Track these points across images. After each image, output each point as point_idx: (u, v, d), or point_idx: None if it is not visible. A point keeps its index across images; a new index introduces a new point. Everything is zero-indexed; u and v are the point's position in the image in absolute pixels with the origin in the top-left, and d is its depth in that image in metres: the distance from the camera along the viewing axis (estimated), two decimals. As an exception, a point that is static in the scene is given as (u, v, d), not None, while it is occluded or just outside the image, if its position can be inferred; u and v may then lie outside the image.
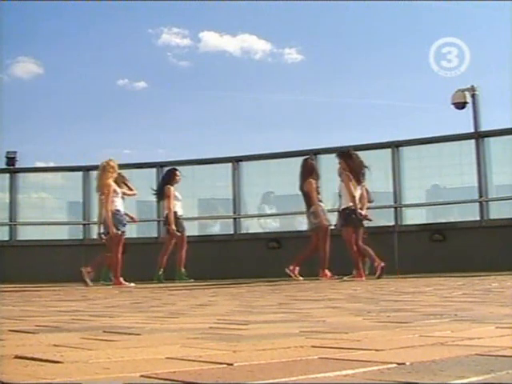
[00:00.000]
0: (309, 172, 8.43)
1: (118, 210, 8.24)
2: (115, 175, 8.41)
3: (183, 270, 9.00)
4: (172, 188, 9.00)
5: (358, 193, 7.89)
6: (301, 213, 9.28)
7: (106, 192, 8.19)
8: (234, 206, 10.78)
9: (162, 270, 8.90)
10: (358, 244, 7.89)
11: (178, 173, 9.21)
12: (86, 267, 7.98)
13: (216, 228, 11.45)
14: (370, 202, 8.42)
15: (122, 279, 8.20)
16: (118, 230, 8.21)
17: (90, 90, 22.99)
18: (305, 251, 8.33)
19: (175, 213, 9.01)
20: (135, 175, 10.24)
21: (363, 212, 7.88)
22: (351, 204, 7.76)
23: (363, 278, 7.54)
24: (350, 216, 7.75)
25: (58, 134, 23.83)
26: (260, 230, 11.20)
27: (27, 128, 22.21)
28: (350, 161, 7.94)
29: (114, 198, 8.25)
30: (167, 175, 9.27)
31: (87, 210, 11.13)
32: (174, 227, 8.94)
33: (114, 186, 8.30)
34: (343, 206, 7.86)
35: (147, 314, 3.04)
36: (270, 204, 11.25)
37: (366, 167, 8.06)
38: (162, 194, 9.07)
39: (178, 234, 9.00)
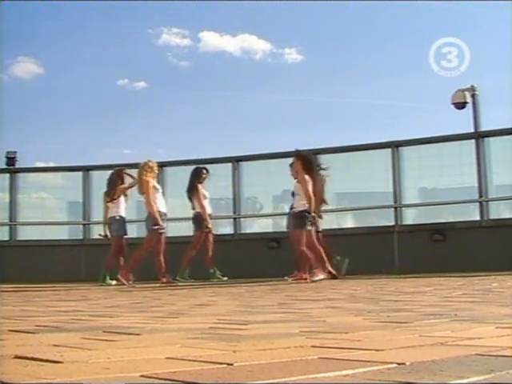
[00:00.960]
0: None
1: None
2: (154, 175, 8.50)
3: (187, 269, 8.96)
4: (200, 186, 8.99)
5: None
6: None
7: (146, 190, 8.27)
8: (234, 205, 10.78)
9: (214, 268, 8.89)
10: (322, 245, 7.89)
11: (204, 171, 9.19)
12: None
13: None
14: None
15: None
16: (161, 225, 8.26)
17: (90, 89, 22.96)
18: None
19: None
20: (135, 175, 10.20)
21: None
22: (307, 206, 7.65)
23: (308, 280, 7.41)
24: (306, 219, 7.67)
25: (58, 134, 23.79)
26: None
27: (27, 128, 22.17)
28: (308, 163, 7.85)
29: (156, 195, 8.34)
30: (194, 173, 9.16)
31: (87, 210, 11.14)
32: (210, 225, 8.97)
33: (152, 182, 8.39)
34: (300, 209, 7.68)
35: (147, 314, 3.04)
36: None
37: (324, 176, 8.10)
38: (190, 192, 9.05)
39: (198, 232, 9.01)
